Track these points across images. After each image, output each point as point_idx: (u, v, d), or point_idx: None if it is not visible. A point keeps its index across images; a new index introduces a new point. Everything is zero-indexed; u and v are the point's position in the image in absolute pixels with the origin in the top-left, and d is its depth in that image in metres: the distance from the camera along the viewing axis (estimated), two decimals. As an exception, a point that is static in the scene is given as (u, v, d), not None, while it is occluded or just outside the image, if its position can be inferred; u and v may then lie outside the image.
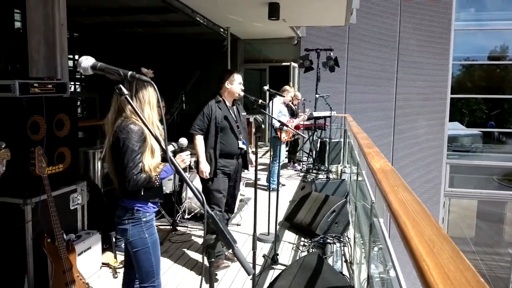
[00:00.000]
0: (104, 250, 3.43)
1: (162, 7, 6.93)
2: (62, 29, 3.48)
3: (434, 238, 0.87)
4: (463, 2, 12.07)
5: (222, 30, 9.22)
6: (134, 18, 8.72)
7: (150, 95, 2.06)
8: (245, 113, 3.62)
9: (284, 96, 6.16)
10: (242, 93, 3.37)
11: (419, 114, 11.02)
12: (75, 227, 3.14)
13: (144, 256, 2.12)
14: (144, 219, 2.11)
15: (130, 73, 1.23)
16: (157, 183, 2.10)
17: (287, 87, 6.75)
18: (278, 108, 6.01)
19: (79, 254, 2.91)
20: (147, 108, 2.06)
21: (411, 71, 11.00)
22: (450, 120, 11.38)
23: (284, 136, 6.00)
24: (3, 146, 2.31)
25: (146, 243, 2.12)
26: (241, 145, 3.36)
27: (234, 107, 3.45)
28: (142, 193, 2.09)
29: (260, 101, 3.41)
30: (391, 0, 11.00)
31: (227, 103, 3.37)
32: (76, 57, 10.98)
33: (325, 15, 7.78)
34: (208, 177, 3.28)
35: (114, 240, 3.35)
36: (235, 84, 3.33)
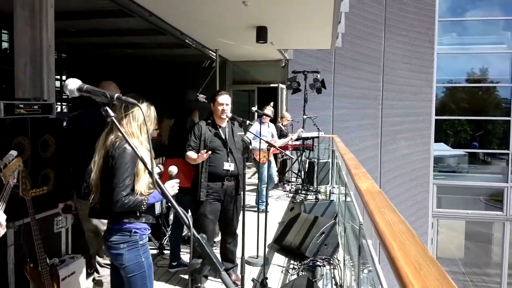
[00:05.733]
0: (88, 275, 3.34)
1: (151, 29, 7.02)
2: (49, 50, 3.47)
3: (421, 260, 0.87)
4: (446, 26, 12.49)
5: (211, 52, 9.33)
6: (123, 40, 8.77)
7: (137, 115, 2.03)
8: (242, 133, 3.53)
9: (271, 117, 6.17)
10: (225, 115, 3.28)
11: (405, 135, 11.19)
12: (58, 251, 3.06)
13: (140, 281, 2.04)
14: (141, 242, 2.04)
15: (116, 95, 1.22)
16: (143, 208, 2.02)
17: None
18: (255, 129, 5.86)
19: (62, 279, 2.82)
20: (135, 128, 2.03)
21: (396, 93, 11.23)
22: (436, 141, 11.57)
23: (261, 157, 5.85)
24: (15, 155, 2.18)
25: (142, 266, 2.04)
26: (226, 166, 3.26)
27: (227, 127, 3.38)
28: (138, 214, 2.02)
29: (248, 122, 3.42)
30: (375, 25, 11.31)
31: (217, 124, 3.36)
32: (64, 77, 10.94)
33: (312, 39, 7.94)
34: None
35: (97, 266, 3.26)
36: (216, 105, 3.32)
